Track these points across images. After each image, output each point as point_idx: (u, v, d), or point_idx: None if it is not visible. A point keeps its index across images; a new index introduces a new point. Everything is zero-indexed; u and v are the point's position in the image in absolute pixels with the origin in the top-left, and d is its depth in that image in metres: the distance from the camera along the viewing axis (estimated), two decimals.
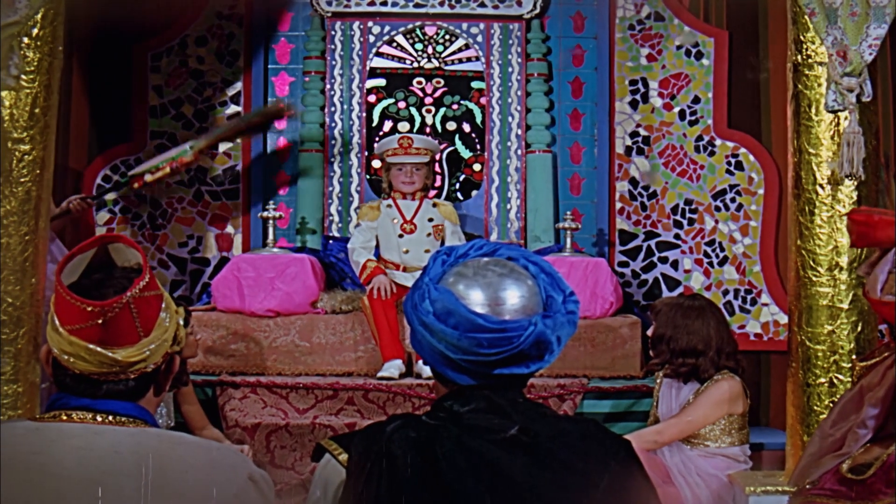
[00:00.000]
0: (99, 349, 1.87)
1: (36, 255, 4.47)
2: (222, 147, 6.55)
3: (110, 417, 1.88)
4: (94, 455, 1.81)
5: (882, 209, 3.94)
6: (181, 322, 2.01)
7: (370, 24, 6.66)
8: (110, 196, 6.33)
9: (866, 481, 3.45)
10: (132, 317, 1.88)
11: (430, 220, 5.95)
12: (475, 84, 6.68)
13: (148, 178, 5.85)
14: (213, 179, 6.54)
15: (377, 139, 6.51)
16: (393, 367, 5.49)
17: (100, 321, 1.86)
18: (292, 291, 5.78)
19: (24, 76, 4.43)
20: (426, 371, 5.41)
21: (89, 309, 1.85)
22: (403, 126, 6.60)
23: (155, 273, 1.96)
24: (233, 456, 1.92)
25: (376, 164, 6.49)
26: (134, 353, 1.89)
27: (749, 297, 6.33)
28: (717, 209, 6.40)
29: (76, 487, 1.77)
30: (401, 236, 5.89)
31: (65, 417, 1.88)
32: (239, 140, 6.38)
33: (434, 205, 6.03)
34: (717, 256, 6.38)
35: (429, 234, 5.92)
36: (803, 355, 4.63)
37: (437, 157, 6.48)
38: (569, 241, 6.11)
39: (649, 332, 4.95)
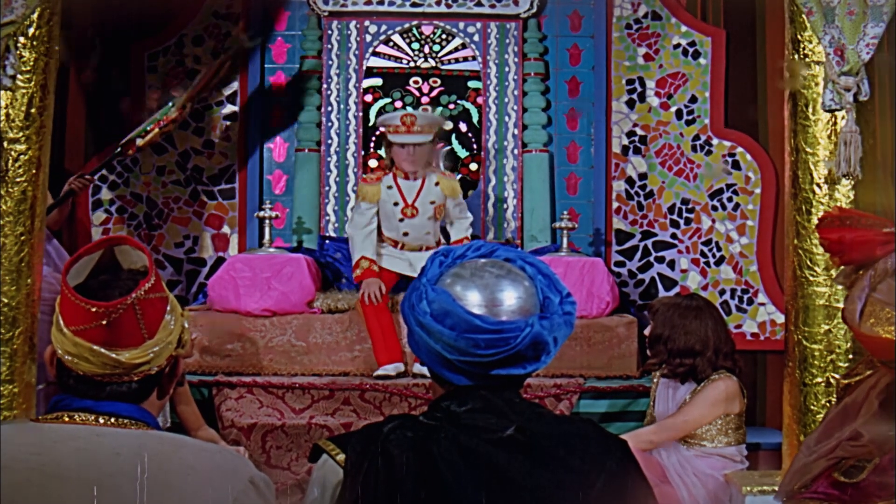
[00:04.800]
0: (103, 350, 1.87)
1: (32, 255, 4.47)
2: (218, 146, 6.55)
3: (112, 419, 1.88)
4: (95, 457, 1.80)
5: (856, 215, 3.78)
6: (186, 324, 2.01)
7: (367, 23, 6.65)
8: (112, 192, 6.33)
9: (859, 484, 3.43)
10: (137, 318, 1.88)
11: (432, 202, 5.78)
12: (472, 83, 6.68)
13: (139, 142, 5.88)
14: (210, 179, 6.54)
15: (373, 139, 6.52)
16: (389, 368, 5.49)
17: (104, 322, 1.86)
18: (288, 291, 5.77)
19: (20, 76, 4.43)
20: (425, 370, 5.39)
21: (94, 310, 1.85)
22: None
23: None
24: (234, 459, 1.91)
25: (373, 163, 6.48)
26: (138, 354, 1.89)
27: (746, 297, 6.33)
28: (714, 209, 6.39)
29: (77, 489, 1.76)
30: (401, 220, 5.77)
31: (67, 419, 1.87)
32: (216, 82, 6.31)
33: (437, 182, 5.81)
34: (713, 256, 6.38)
35: (430, 217, 5.79)
36: (800, 355, 4.63)
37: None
38: (565, 240, 6.11)
39: (646, 332, 4.95)
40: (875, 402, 3.42)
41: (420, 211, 5.77)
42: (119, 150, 5.93)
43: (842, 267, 3.67)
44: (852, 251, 3.54)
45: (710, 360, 4.73)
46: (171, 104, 5.98)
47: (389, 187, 5.78)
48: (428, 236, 5.81)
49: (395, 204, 5.76)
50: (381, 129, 5.95)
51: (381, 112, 6.62)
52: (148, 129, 5.89)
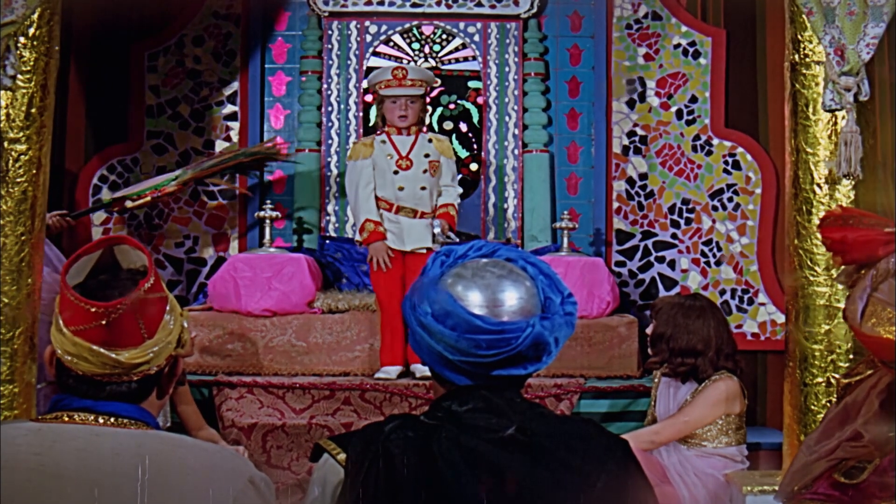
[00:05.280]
0: (102, 350, 1.87)
1: (32, 255, 4.47)
2: (219, 147, 6.54)
3: (112, 419, 1.88)
4: (94, 457, 1.80)
5: (858, 214, 3.76)
6: (185, 324, 2.01)
7: (367, 23, 6.65)
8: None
9: (860, 485, 3.42)
10: (136, 318, 1.88)
11: (427, 155, 5.68)
12: (472, 83, 6.68)
13: (128, 204, 5.86)
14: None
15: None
16: (391, 371, 5.49)
17: (104, 322, 1.86)
18: (289, 291, 5.77)
19: (20, 76, 4.42)
20: (420, 370, 5.40)
21: (93, 310, 1.85)
22: None
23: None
24: (234, 459, 1.92)
25: None
26: (137, 354, 1.89)
27: (746, 297, 6.32)
28: (715, 209, 6.39)
29: (76, 489, 1.77)
30: (396, 173, 5.62)
31: (66, 419, 1.87)
32: (227, 175, 6.32)
33: (430, 140, 5.76)
34: (714, 256, 6.38)
35: (425, 171, 5.65)
36: (800, 355, 4.63)
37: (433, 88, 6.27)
38: (566, 240, 6.11)
39: (648, 331, 4.95)
40: (876, 401, 3.41)
41: (414, 163, 5.64)
42: (107, 202, 5.93)
43: (843, 266, 3.67)
44: (854, 251, 3.54)
45: (712, 360, 4.74)
46: (174, 176, 5.95)
47: (383, 142, 5.69)
48: (423, 192, 5.63)
49: (389, 157, 5.64)
50: (373, 86, 5.83)
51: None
52: (142, 193, 5.87)
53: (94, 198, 6.47)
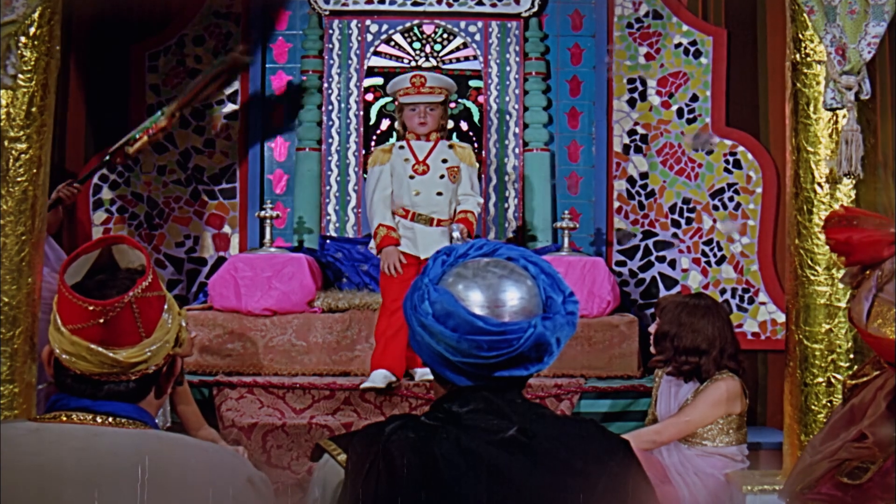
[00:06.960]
0: (100, 349, 1.87)
1: (32, 254, 4.47)
2: (219, 146, 6.54)
3: (110, 419, 1.88)
4: (93, 456, 1.80)
5: (863, 215, 3.75)
6: (183, 323, 2.01)
7: (368, 22, 6.65)
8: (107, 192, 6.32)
9: (863, 486, 3.42)
10: (134, 317, 1.88)
11: (444, 161, 5.57)
12: (473, 83, 6.67)
13: (129, 150, 5.78)
14: (211, 178, 6.54)
15: (374, 139, 6.51)
16: (378, 378, 5.31)
17: (101, 321, 1.86)
18: (289, 291, 5.76)
19: (21, 75, 4.42)
20: (420, 374, 5.38)
21: (91, 308, 1.85)
22: None
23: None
24: (232, 458, 1.91)
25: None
26: (135, 353, 1.89)
27: (747, 296, 6.32)
28: (715, 208, 6.39)
29: (75, 489, 1.77)
30: (412, 177, 5.52)
31: (64, 418, 1.87)
32: (209, 93, 6.24)
33: (450, 146, 5.67)
34: (714, 255, 6.38)
35: (442, 176, 5.54)
36: (801, 354, 4.63)
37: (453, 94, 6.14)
38: (566, 240, 6.10)
39: (652, 329, 4.94)
40: (882, 403, 3.41)
41: (431, 168, 5.53)
42: (107, 158, 5.89)
43: (846, 267, 3.66)
44: (859, 252, 3.53)
45: (716, 359, 4.74)
46: (160, 112, 5.92)
47: (401, 147, 5.61)
48: (440, 198, 5.52)
49: (406, 161, 5.54)
50: (393, 94, 5.76)
51: (381, 110, 6.62)
52: (136, 137, 5.82)
53: (95, 197, 6.48)
